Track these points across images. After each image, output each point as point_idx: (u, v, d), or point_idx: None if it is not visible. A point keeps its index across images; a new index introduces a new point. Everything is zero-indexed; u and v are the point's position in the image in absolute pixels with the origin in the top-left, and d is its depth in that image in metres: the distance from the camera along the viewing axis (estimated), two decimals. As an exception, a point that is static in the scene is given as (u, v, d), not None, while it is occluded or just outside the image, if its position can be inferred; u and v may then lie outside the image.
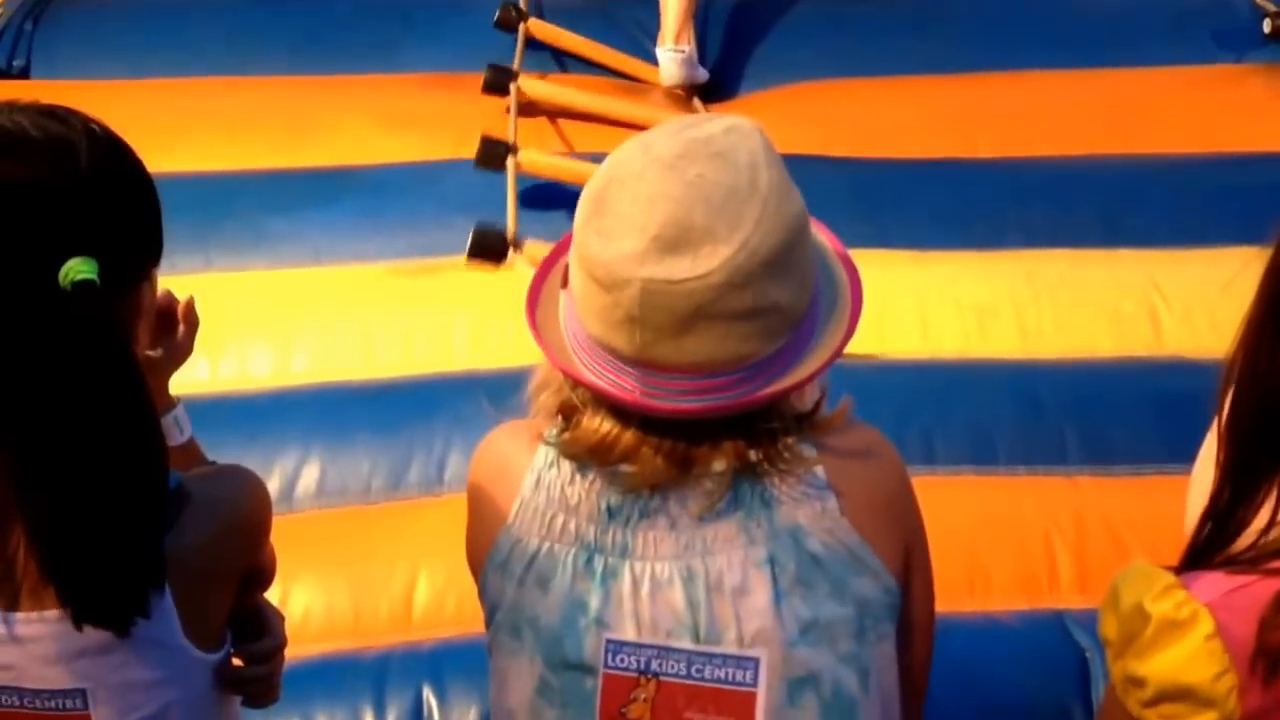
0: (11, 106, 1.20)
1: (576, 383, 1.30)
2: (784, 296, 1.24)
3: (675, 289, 1.20)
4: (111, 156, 1.22)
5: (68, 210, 1.16)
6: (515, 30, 3.75)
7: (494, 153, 3.12)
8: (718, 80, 3.88)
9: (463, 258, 2.97)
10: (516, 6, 3.80)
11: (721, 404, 1.25)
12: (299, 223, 3.14)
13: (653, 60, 3.80)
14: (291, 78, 3.75)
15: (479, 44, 3.76)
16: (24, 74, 3.89)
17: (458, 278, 2.92)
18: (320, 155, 3.42)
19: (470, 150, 3.31)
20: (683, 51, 3.77)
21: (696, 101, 3.75)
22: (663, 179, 1.22)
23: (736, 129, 1.27)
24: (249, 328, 2.83)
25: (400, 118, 3.55)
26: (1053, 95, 3.73)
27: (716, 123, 1.28)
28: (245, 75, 3.75)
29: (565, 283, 1.30)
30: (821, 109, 3.71)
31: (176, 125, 3.44)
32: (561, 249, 1.35)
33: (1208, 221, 3.16)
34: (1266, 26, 3.91)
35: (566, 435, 1.30)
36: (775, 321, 1.24)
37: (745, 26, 4.08)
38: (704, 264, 1.20)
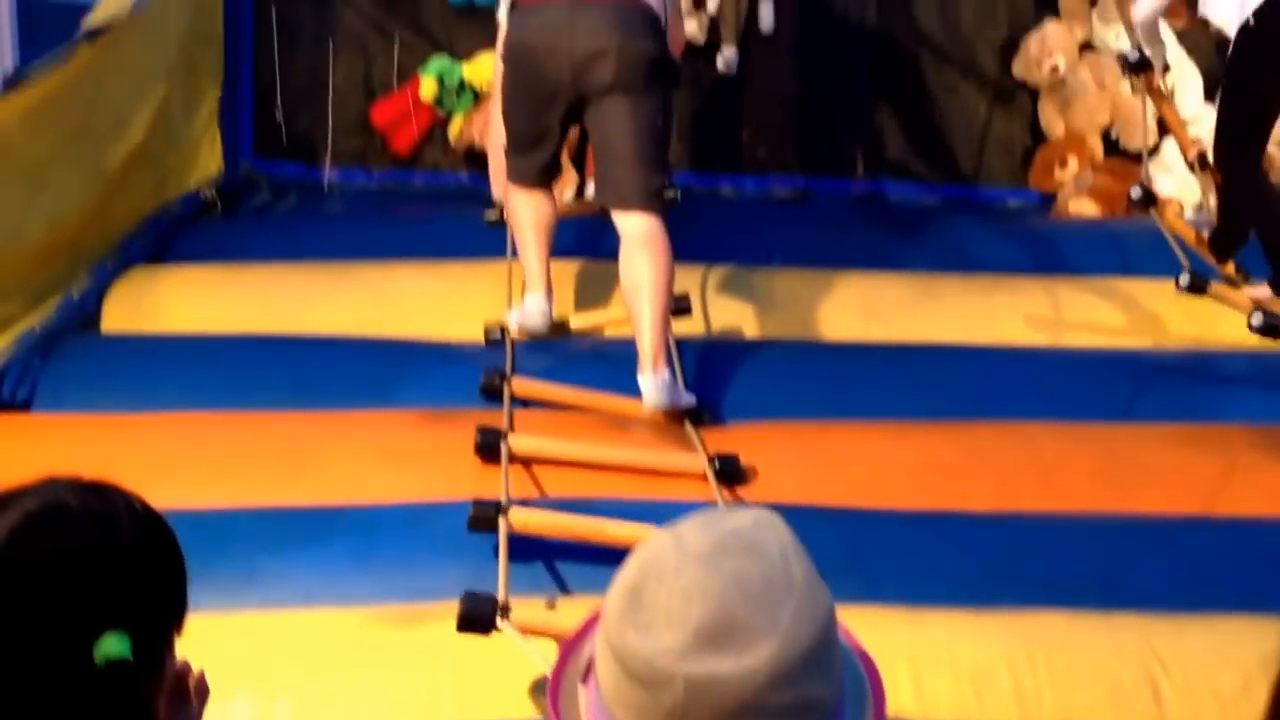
0: (55, 482, 1.24)
1: None
2: (822, 691, 1.21)
3: (720, 686, 1.16)
4: (150, 532, 1.25)
5: (107, 585, 1.18)
6: (500, 395, 3.79)
7: (485, 516, 3.11)
8: (710, 409, 3.93)
9: (453, 603, 2.93)
10: (500, 372, 3.86)
11: None
12: (290, 563, 3.12)
13: (634, 384, 3.87)
14: (289, 413, 3.79)
15: (472, 382, 3.84)
16: (26, 407, 3.93)
17: (446, 630, 2.86)
18: (314, 490, 3.42)
19: (462, 488, 3.33)
20: (662, 377, 3.84)
21: (689, 428, 3.77)
22: (700, 573, 1.19)
23: (763, 521, 1.25)
24: (234, 675, 2.75)
25: (394, 453, 3.57)
26: (1042, 447, 3.77)
27: (743, 515, 1.26)
28: (245, 410, 3.79)
29: (585, 678, 1.27)
30: (814, 449, 3.75)
31: (172, 460, 3.48)
32: (580, 638, 1.32)
33: (1205, 586, 3.15)
34: (1255, 319, 4.04)
35: None
36: (813, 717, 1.20)
37: (741, 359, 4.19)
38: (749, 660, 1.17)
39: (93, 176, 4.61)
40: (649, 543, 1.25)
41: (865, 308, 4.66)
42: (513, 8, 4.24)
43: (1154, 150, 6.12)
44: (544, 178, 4.33)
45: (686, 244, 4.77)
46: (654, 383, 3.82)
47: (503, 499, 3.20)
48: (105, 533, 1.20)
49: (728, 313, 4.59)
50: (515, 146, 4.32)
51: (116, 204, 4.94)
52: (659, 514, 3.18)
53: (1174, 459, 3.69)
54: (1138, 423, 3.88)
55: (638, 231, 4.00)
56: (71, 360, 4.06)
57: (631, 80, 3.99)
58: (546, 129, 4.20)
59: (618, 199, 4.07)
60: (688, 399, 3.90)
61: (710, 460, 3.51)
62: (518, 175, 4.31)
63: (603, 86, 3.99)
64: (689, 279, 4.54)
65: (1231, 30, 4.48)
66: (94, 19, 4.70)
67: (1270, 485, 3.53)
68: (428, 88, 6.13)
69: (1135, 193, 4.68)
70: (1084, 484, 3.59)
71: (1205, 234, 4.77)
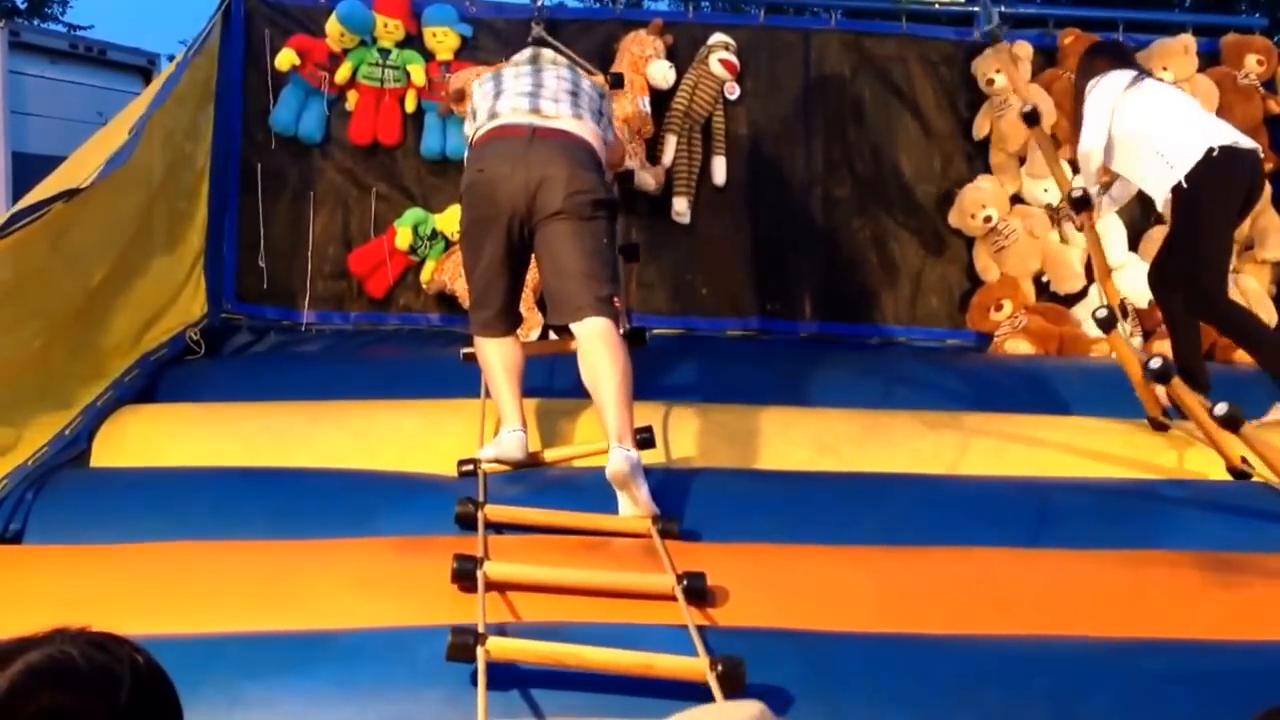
0: (64, 635, 1.19)
1: None
2: None
3: None
4: (151, 690, 1.20)
5: None
6: (476, 524, 3.71)
7: (463, 645, 3.01)
8: (677, 521, 3.87)
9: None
10: (474, 500, 3.81)
11: None
12: (274, 689, 2.99)
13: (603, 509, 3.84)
14: (271, 542, 3.71)
15: (448, 512, 3.76)
16: (17, 539, 3.85)
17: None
18: (297, 616, 3.31)
19: (441, 614, 3.24)
20: (630, 451, 3.85)
21: (657, 541, 3.68)
22: None
23: None
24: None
25: (374, 580, 3.48)
26: (996, 571, 3.71)
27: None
28: (229, 540, 3.70)
29: None
30: (775, 571, 3.67)
31: (159, 588, 3.39)
32: None
33: (1157, 708, 3.09)
34: None
35: None
36: None
37: (701, 485, 4.13)
38: None
39: (45, 316, 4.52)
40: None
41: (817, 442, 4.65)
42: (471, 148, 4.37)
43: (1083, 293, 6.23)
44: (505, 324, 4.35)
45: (648, 382, 4.79)
46: (621, 452, 3.82)
47: (480, 627, 3.10)
48: (104, 693, 1.14)
49: (686, 445, 4.57)
50: (476, 296, 4.37)
51: (102, 345, 4.90)
52: (633, 638, 3.13)
53: (1123, 583, 3.63)
54: (1086, 549, 3.85)
55: (592, 331, 4.04)
56: (62, 494, 4.00)
57: (578, 206, 4.10)
58: (500, 264, 4.25)
59: (572, 311, 4.10)
60: (651, 505, 3.86)
61: (678, 578, 3.45)
62: (481, 326, 4.35)
63: (552, 211, 4.09)
64: (651, 414, 4.52)
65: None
66: (68, 171, 4.70)
67: (1217, 608, 3.50)
68: (403, 237, 6.19)
69: (1101, 313, 4.42)
70: (1037, 608, 3.52)
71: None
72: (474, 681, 2.95)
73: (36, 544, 3.79)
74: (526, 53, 4.68)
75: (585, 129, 4.30)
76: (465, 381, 4.65)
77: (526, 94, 4.32)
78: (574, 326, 4.11)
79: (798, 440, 4.65)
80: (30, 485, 4.00)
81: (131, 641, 1.20)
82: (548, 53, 4.70)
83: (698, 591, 3.42)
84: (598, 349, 4.01)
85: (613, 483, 3.82)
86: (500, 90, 4.41)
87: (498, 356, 4.32)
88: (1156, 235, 6.18)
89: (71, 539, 3.72)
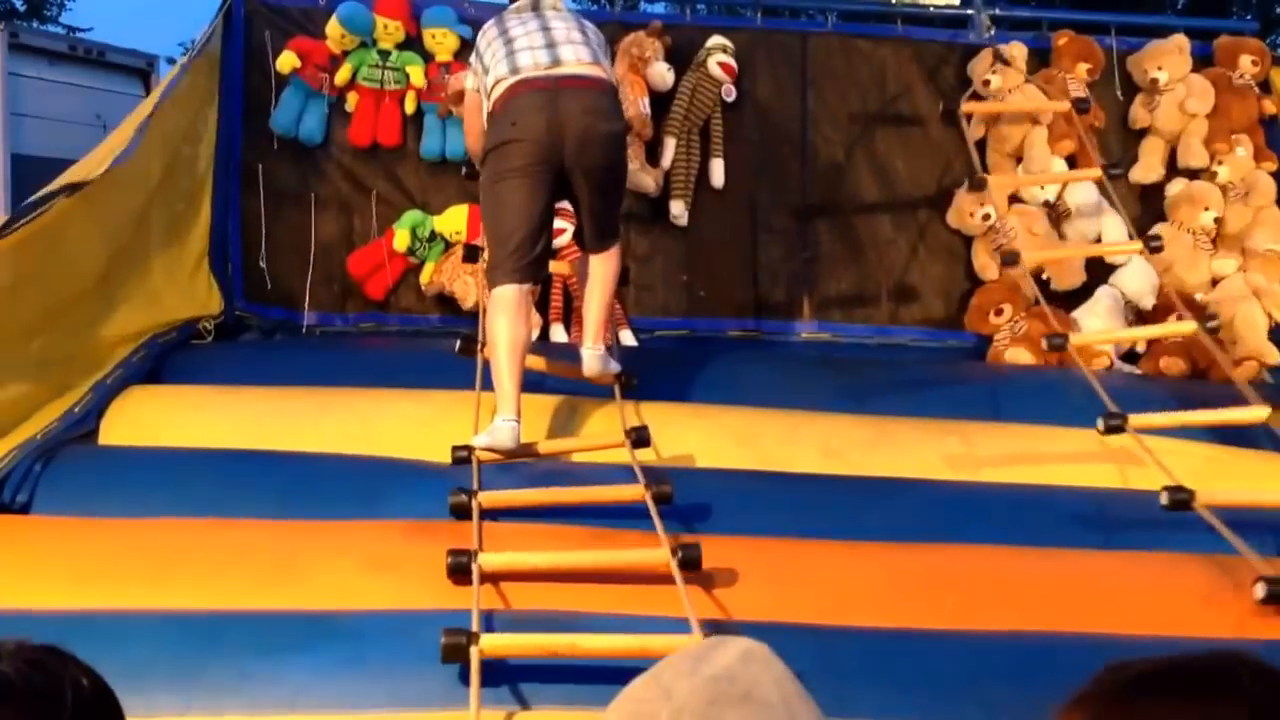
0: (2, 648, 1.11)
1: None
2: None
3: None
4: (95, 710, 1.12)
5: None
6: (470, 513, 3.66)
7: (456, 645, 2.94)
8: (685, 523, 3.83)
9: (434, 713, 2.79)
10: (466, 490, 3.75)
11: None
12: (280, 666, 2.96)
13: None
14: (278, 522, 3.68)
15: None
16: (25, 510, 3.82)
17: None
18: (303, 596, 3.29)
19: (446, 598, 3.22)
20: (600, 350, 4.50)
21: (652, 507, 3.63)
22: None
23: (752, 656, 1.06)
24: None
25: (379, 563, 3.45)
26: (1002, 569, 3.68)
27: (729, 650, 1.07)
28: (235, 518, 3.67)
29: None
30: (783, 566, 3.64)
31: (166, 562, 3.35)
32: None
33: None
34: (1164, 499, 3.80)
35: None
36: None
37: (708, 483, 4.10)
38: None
39: (45, 316, 4.49)
40: (631, 695, 1.06)
41: (824, 447, 4.58)
42: (491, 116, 4.43)
43: (1084, 290, 6.18)
44: (533, 271, 4.38)
45: (648, 383, 4.76)
46: (593, 353, 4.48)
47: (474, 624, 3.03)
48: (47, 710, 1.07)
49: (692, 446, 4.52)
50: (504, 244, 4.32)
51: (104, 346, 4.86)
52: (632, 629, 3.09)
53: (1126, 582, 3.61)
54: (1088, 549, 3.81)
55: (604, 252, 4.57)
56: (70, 468, 3.97)
57: (615, 158, 4.46)
58: (532, 214, 4.28)
59: (598, 244, 4.57)
60: (615, 366, 4.56)
61: (673, 550, 3.38)
62: (505, 272, 4.29)
63: (585, 159, 4.32)
64: (652, 415, 4.47)
65: None
66: (75, 174, 4.66)
67: (1221, 607, 3.48)
68: (401, 239, 6.13)
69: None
70: (1043, 604, 3.49)
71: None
72: (465, 681, 2.88)
73: (44, 515, 3.75)
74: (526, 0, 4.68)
75: (602, 70, 4.46)
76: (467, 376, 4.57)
77: (543, 45, 4.41)
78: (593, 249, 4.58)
79: (805, 444, 4.59)
80: (38, 458, 3.96)
81: (74, 658, 1.13)
82: None
83: (692, 562, 3.36)
84: (601, 265, 4.55)
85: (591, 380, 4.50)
86: (512, 41, 4.44)
87: (506, 332, 4.22)
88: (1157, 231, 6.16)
89: (78, 512, 3.69)
